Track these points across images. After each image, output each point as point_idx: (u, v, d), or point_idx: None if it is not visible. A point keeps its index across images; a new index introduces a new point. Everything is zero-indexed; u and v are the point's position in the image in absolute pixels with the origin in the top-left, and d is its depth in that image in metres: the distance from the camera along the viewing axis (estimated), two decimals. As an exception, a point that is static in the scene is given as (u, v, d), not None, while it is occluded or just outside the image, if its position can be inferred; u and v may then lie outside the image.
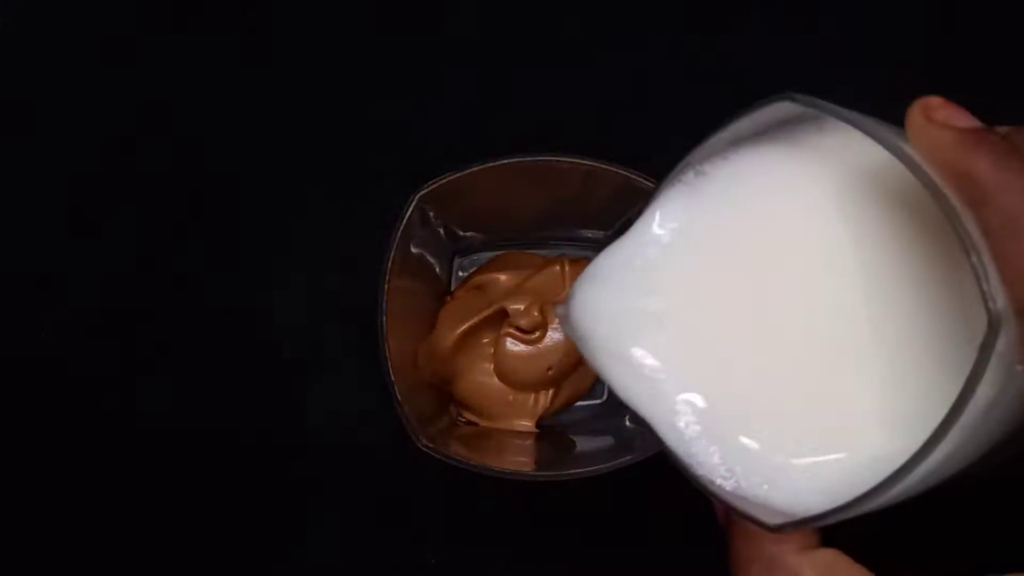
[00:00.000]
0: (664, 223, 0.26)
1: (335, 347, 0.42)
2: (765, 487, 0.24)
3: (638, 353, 0.25)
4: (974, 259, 0.21)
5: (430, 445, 0.36)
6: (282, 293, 0.43)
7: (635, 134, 0.44)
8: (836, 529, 0.24)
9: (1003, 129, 0.25)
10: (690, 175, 0.26)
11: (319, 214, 0.43)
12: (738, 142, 0.26)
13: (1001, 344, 0.20)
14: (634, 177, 0.38)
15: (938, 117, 0.23)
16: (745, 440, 0.25)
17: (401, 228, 0.37)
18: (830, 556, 0.26)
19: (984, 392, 0.20)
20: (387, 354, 0.37)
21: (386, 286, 0.37)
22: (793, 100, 0.24)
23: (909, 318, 0.25)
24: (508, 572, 0.42)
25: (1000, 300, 0.20)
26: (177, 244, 0.43)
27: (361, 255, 0.40)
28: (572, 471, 0.36)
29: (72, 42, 0.45)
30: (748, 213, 0.26)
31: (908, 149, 0.23)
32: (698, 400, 0.25)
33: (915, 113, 0.24)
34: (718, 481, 0.25)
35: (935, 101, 0.24)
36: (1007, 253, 0.21)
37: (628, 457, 0.36)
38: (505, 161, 0.38)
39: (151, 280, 0.43)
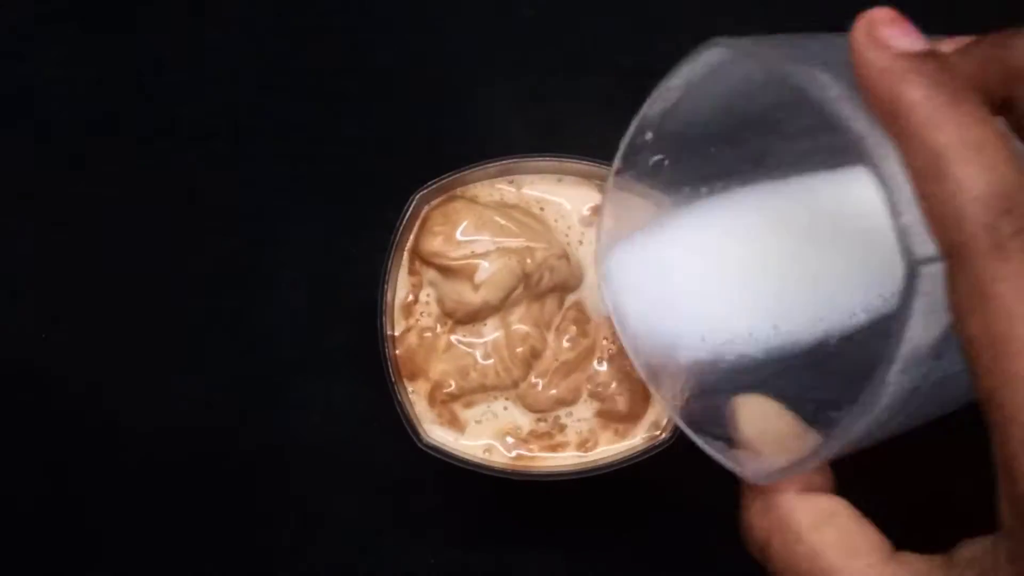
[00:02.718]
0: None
1: (335, 347, 0.42)
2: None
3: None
4: (891, 205, 0.20)
5: (430, 445, 0.36)
6: (282, 293, 0.43)
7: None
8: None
9: (951, 44, 0.22)
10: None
11: (319, 214, 0.43)
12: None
13: (928, 286, 0.20)
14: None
15: (880, 36, 0.20)
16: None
17: (401, 228, 0.37)
18: (832, 503, 0.24)
19: (921, 333, 0.20)
20: (387, 354, 0.37)
21: (386, 286, 0.37)
22: (718, 44, 0.26)
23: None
24: (508, 572, 0.42)
25: (921, 247, 0.20)
26: (176, 244, 0.43)
27: (361, 255, 0.40)
28: (573, 471, 0.36)
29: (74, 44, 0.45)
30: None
31: (831, 78, 0.21)
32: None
33: (858, 30, 0.21)
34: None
35: (881, 14, 0.21)
36: (929, 195, 0.19)
37: (630, 457, 0.36)
38: (504, 161, 0.38)
39: (151, 280, 0.43)
